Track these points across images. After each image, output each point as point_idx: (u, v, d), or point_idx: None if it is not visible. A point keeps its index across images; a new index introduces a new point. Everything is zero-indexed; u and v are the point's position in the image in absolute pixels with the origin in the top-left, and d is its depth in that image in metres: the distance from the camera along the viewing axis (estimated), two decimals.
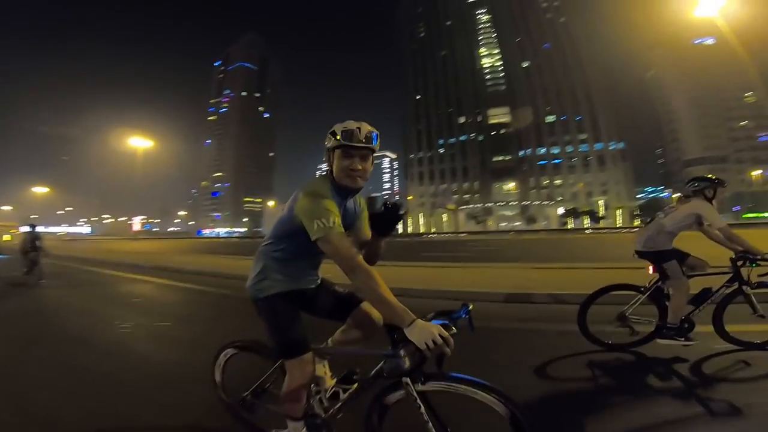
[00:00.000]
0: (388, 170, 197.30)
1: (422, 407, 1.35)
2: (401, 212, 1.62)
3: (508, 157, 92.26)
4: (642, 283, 3.33)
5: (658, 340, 3.07)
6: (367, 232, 1.73)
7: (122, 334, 4.27)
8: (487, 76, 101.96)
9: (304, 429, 1.63)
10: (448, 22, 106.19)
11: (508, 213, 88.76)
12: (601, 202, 76.60)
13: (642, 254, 3.29)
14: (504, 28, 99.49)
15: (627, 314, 3.24)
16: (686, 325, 3.03)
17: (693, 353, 2.94)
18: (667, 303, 3.13)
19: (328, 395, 1.68)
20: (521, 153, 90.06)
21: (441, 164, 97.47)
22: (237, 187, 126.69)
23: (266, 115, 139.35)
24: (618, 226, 65.54)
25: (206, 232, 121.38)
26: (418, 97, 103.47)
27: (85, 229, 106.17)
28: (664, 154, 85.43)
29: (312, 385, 1.68)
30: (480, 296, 5.39)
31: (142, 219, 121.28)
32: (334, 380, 1.73)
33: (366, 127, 1.51)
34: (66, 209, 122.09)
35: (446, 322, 1.24)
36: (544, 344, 3.45)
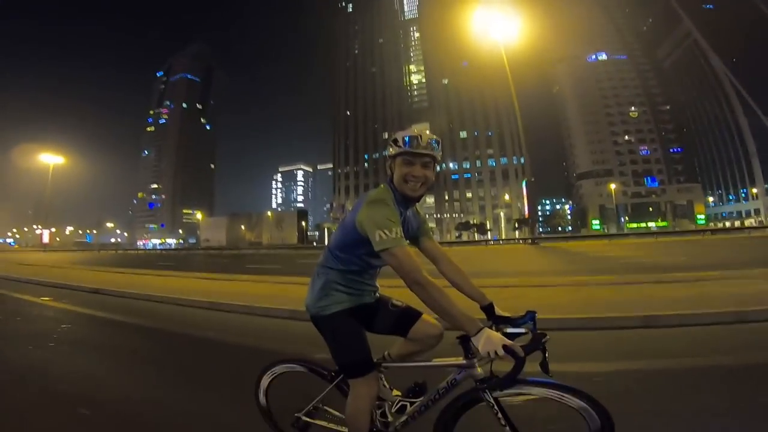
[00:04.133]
0: (303, 183, 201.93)
1: (500, 414, 1.38)
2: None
3: None
4: None
5: None
6: (427, 243, 1.74)
7: None
8: (414, 92, 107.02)
9: None
10: (381, 40, 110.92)
11: (431, 225, 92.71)
12: (502, 215, 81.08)
13: None
14: (430, 45, 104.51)
15: None
16: None
17: None
18: None
19: (394, 409, 1.66)
20: (438, 168, 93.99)
21: (366, 179, 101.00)
22: (174, 199, 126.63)
23: (208, 127, 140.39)
24: (517, 237, 69.59)
25: (140, 243, 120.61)
26: (348, 113, 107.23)
27: (8, 240, 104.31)
28: (566, 168, 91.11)
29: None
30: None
31: (70, 230, 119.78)
32: (393, 393, 1.74)
33: (427, 134, 1.50)
34: None
35: (520, 330, 1.33)
36: None
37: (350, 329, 1.61)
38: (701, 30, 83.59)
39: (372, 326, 1.72)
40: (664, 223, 74.46)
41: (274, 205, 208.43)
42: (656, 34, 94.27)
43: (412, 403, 1.61)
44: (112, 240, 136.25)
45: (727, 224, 77.42)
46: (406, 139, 1.49)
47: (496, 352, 1.21)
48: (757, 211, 74.42)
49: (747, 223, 69.02)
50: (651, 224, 74.53)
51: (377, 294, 1.77)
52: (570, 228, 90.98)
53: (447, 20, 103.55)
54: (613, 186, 65.20)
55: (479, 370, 1.43)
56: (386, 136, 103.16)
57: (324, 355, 1.71)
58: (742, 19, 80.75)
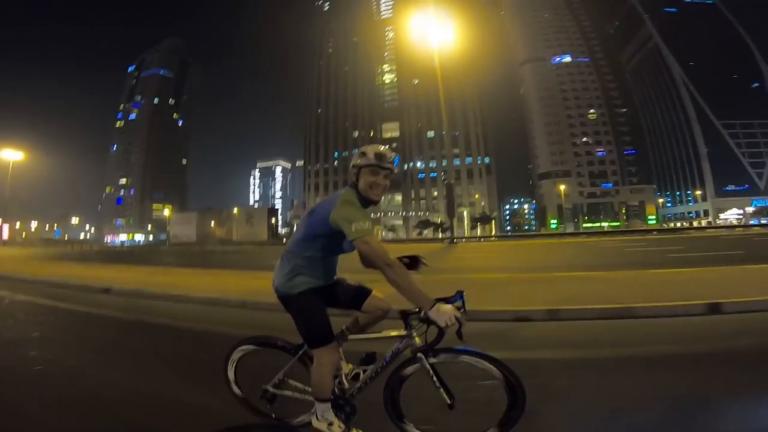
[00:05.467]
0: (281, 179, 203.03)
1: (434, 377, 1.65)
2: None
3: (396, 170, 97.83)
4: None
5: None
6: None
7: None
8: (386, 92, 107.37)
9: (331, 409, 1.86)
10: (355, 39, 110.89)
11: (398, 223, 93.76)
12: (465, 213, 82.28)
13: None
14: (403, 44, 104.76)
15: None
16: None
17: None
18: None
19: (350, 377, 1.93)
20: (405, 166, 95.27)
21: (335, 176, 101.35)
22: (144, 194, 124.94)
23: (180, 122, 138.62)
24: (480, 235, 70.67)
25: (108, 239, 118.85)
26: (319, 111, 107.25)
27: None
28: (532, 168, 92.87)
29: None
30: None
31: (35, 225, 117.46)
32: (349, 364, 2.00)
33: (389, 152, 1.81)
34: None
35: (459, 303, 1.58)
36: None
37: (314, 305, 1.87)
38: (662, 33, 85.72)
39: (331, 302, 2.00)
40: (617, 223, 76.64)
41: (252, 201, 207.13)
42: (621, 37, 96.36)
43: (364, 371, 1.89)
44: (82, 235, 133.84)
45: (679, 225, 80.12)
46: (376, 154, 1.78)
47: (450, 320, 1.47)
48: (706, 212, 77.00)
49: (697, 223, 71.58)
50: (605, 224, 76.61)
51: (336, 276, 2.06)
52: (532, 227, 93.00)
53: (420, 20, 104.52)
54: (563, 187, 66.86)
55: (417, 340, 1.69)
56: (356, 134, 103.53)
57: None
58: (701, 24, 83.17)
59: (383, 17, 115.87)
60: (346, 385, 1.93)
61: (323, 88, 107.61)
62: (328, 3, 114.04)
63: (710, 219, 73.98)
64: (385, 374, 1.80)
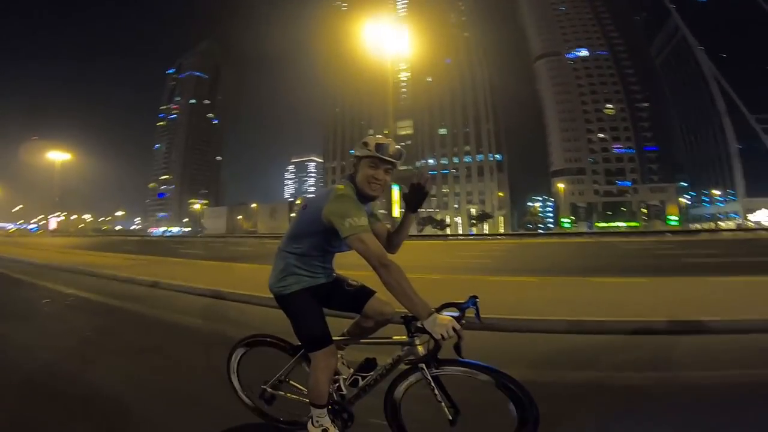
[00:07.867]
0: (314, 174, 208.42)
1: (436, 390, 1.52)
2: (427, 189, 1.78)
3: (409, 167, 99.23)
4: None
5: None
6: (376, 227, 1.86)
7: None
8: (403, 89, 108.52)
9: (327, 415, 1.77)
10: (370, 37, 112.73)
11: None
12: (473, 211, 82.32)
13: None
14: (417, 42, 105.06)
15: None
16: None
17: None
18: None
19: (348, 383, 1.84)
20: (417, 163, 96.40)
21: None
22: (182, 189, 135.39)
23: (215, 121, 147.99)
24: (487, 233, 70.80)
25: (150, 230, 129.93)
26: (336, 110, 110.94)
27: (31, 227, 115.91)
28: (546, 165, 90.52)
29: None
30: None
31: (88, 217, 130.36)
32: (350, 369, 1.91)
33: (394, 144, 1.67)
34: (19, 207, 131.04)
35: (457, 314, 1.44)
36: None
37: (309, 307, 1.79)
38: (689, 24, 79.99)
39: (330, 304, 1.91)
40: (635, 224, 73.22)
41: (286, 195, 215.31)
42: (647, 29, 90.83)
43: (363, 377, 1.81)
44: (132, 227, 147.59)
45: (705, 226, 75.03)
46: (377, 144, 1.66)
47: (447, 332, 1.36)
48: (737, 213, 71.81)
49: (714, 225, 67.08)
50: (621, 224, 73.55)
51: (334, 274, 1.97)
52: (549, 226, 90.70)
53: (433, 18, 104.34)
54: (561, 185, 65.12)
55: (420, 348, 1.58)
56: (372, 132, 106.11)
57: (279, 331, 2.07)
58: (732, 13, 76.66)
59: (400, 15, 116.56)
60: (344, 390, 1.86)
61: (340, 86, 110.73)
62: (345, 4, 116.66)
63: (740, 221, 68.91)
64: (386, 382, 1.71)
